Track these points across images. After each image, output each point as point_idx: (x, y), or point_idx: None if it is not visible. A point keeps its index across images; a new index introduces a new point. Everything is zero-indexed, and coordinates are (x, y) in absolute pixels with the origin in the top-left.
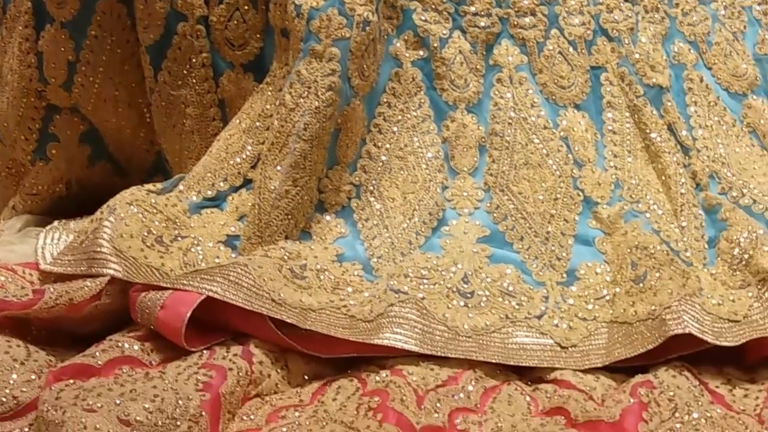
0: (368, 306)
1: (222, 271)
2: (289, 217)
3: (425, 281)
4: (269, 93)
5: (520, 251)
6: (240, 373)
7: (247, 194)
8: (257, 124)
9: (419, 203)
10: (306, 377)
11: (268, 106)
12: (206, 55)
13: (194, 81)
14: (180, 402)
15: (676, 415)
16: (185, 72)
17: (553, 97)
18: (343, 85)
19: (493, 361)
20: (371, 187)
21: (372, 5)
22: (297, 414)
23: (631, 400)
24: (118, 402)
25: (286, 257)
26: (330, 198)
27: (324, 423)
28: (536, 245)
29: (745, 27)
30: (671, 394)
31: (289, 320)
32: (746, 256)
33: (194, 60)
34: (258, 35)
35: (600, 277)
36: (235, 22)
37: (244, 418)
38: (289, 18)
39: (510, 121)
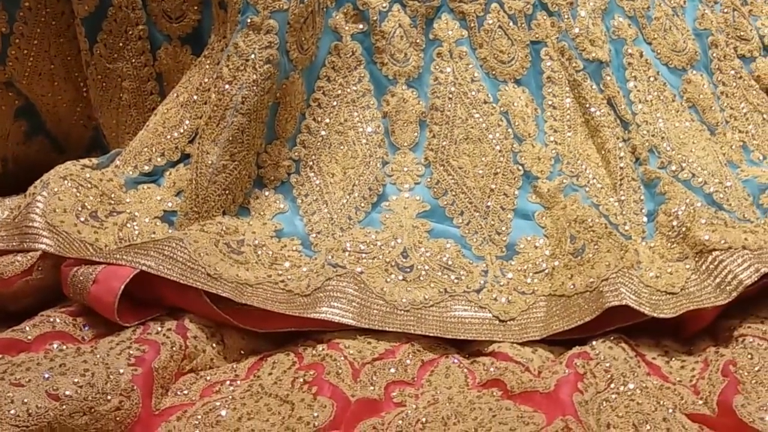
0: (306, 281)
1: (157, 246)
2: (227, 192)
3: (364, 255)
4: (207, 66)
5: (460, 226)
6: (174, 348)
7: (184, 169)
8: (195, 97)
9: (359, 178)
10: (242, 352)
11: (206, 80)
12: (143, 28)
13: (131, 54)
14: (111, 376)
15: (612, 385)
16: (121, 44)
17: (494, 72)
18: (281, 58)
19: (431, 334)
20: (311, 162)
21: None
22: (231, 388)
23: (567, 371)
24: (47, 376)
25: (223, 232)
26: (269, 173)
27: (258, 397)
28: (476, 220)
29: (685, 2)
30: (607, 365)
31: (224, 294)
32: (683, 229)
33: (130, 32)
34: (195, 7)
35: (539, 251)
36: None
37: (178, 393)
38: None
39: (450, 95)
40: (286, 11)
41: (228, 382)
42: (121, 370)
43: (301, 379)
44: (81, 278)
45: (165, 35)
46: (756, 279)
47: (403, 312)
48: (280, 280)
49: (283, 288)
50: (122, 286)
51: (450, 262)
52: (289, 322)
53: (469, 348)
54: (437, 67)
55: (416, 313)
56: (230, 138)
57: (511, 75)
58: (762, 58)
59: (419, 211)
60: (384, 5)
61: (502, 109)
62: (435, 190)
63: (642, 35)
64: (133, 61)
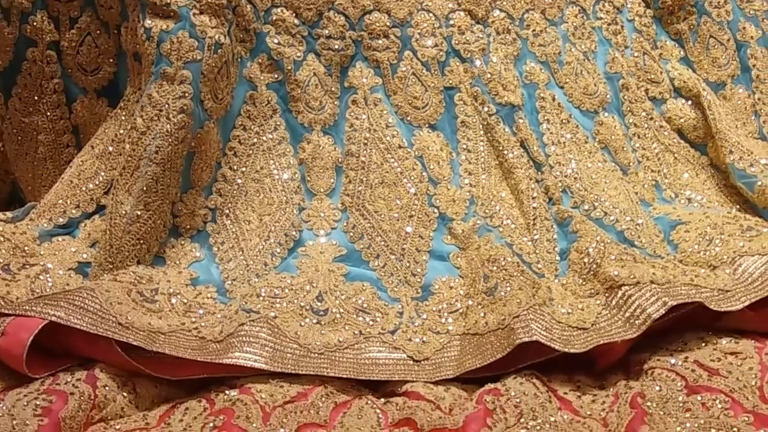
0: (219, 327)
1: (67, 296)
2: (141, 241)
3: (278, 300)
4: (123, 118)
5: (376, 269)
6: (82, 397)
7: (99, 221)
8: (110, 149)
9: (275, 224)
10: (154, 401)
11: (122, 131)
12: (58, 81)
13: (46, 107)
14: (16, 427)
15: (522, 420)
16: (36, 98)
17: (408, 118)
18: (195, 107)
19: (345, 376)
20: (227, 211)
21: (224, 28)
22: None
23: (476, 407)
24: None
25: (136, 281)
26: (185, 222)
27: None
28: (392, 262)
29: (595, 47)
30: (517, 400)
31: (135, 343)
32: (594, 266)
33: (45, 86)
34: (111, 60)
35: (454, 291)
36: (87, 47)
37: None
38: (140, 41)
39: (365, 141)
40: (199, 62)
41: (138, 431)
42: (27, 421)
43: (211, 425)
44: None
45: (81, 88)
46: (663, 312)
47: (317, 355)
48: (194, 327)
49: (197, 335)
50: (31, 337)
51: (365, 305)
52: (203, 369)
53: (383, 389)
54: (353, 114)
55: (330, 355)
56: (144, 188)
57: (426, 120)
58: (672, 99)
59: (335, 256)
60: (298, 54)
61: (417, 153)
62: (351, 234)
63: (554, 79)
64: (49, 114)
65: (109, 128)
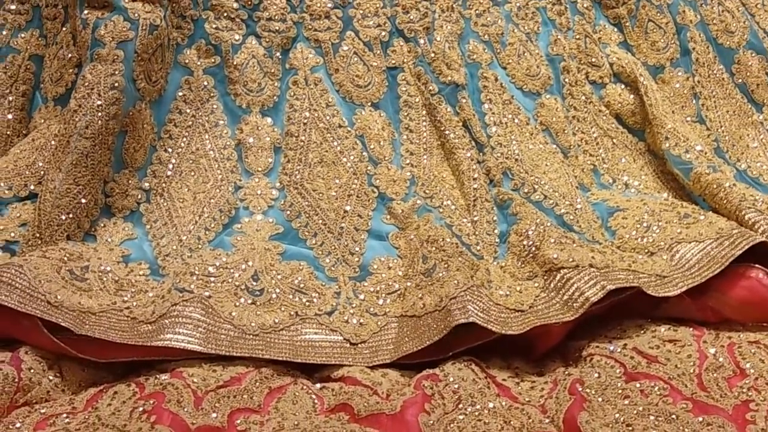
0: (151, 307)
1: None
2: (71, 216)
3: (213, 279)
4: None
5: (313, 247)
6: (6, 380)
7: (31, 205)
8: (52, 143)
9: (209, 201)
10: (82, 384)
11: (63, 126)
12: (27, 88)
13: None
14: None
15: (460, 406)
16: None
17: (350, 96)
18: (127, 84)
19: (281, 358)
20: (161, 190)
21: (158, 12)
22: (67, 420)
23: (414, 393)
24: None
25: (66, 258)
26: (117, 202)
27: (95, 428)
28: (329, 241)
29: (538, 28)
30: (456, 386)
31: (64, 324)
32: (533, 248)
33: (17, 88)
34: (71, 70)
35: (393, 272)
36: (57, 59)
37: (10, 426)
38: (78, 31)
39: (305, 121)
40: (132, 41)
41: (64, 415)
42: None
43: (141, 409)
44: None
45: (43, 96)
46: (602, 296)
47: (251, 336)
48: (126, 307)
49: (128, 315)
50: None
51: (302, 285)
52: (133, 352)
53: (319, 373)
54: (293, 94)
55: (265, 337)
56: (74, 162)
57: (368, 99)
58: (612, 84)
59: (272, 233)
60: (237, 38)
61: (357, 132)
62: (288, 212)
63: (497, 60)
64: (10, 116)
65: (52, 125)
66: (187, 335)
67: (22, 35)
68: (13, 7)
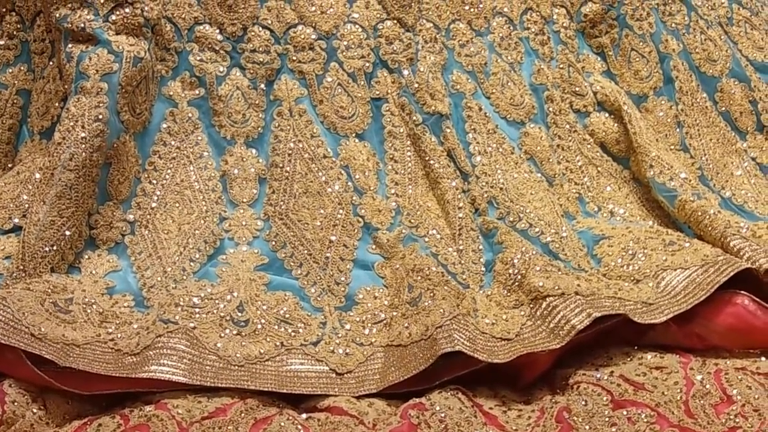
0: (135, 338)
1: None
2: (55, 248)
3: (197, 310)
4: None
5: (299, 277)
6: None
7: (15, 238)
8: (36, 175)
9: (194, 232)
10: (66, 417)
11: (48, 159)
12: (14, 123)
13: None
14: None
15: None
16: None
17: (335, 127)
18: (111, 117)
19: (266, 389)
20: (145, 222)
21: (142, 45)
22: None
23: (401, 422)
24: None
25: (50, 290)
26: (102, 234)
27: None
28: (315, 271)
29: (522, 58)
30: (443, 415)
31: (48, 356)
32: (519, 277)
33: (3, 122)
34: (57, 103)
35: (378, 302)
36: (45, 93)
37: None
38: (63, 65)
39: (290, 152)
40: (116, 73)
41: None
42: None
43: None
44: None
45: (29, 129)
46: (588, 324)
47: (237, 367)
48: (110, 339)
49: (112, 347)
50: None
51: (287, 315)
52: (118, 384)
53: (305, 404)
54: (277, 125)
55: (251, 368)
56: (58, 194)
57: (353, 129)
58: (596, 113)
59: (257, 264)
60: (221, 70)
61: (342, 163)
62: (273, 243)
63: (481, 90)
64: None
65: (37, 158)
66: (171, 366)
67: (10, 70)
68: (1, 42)
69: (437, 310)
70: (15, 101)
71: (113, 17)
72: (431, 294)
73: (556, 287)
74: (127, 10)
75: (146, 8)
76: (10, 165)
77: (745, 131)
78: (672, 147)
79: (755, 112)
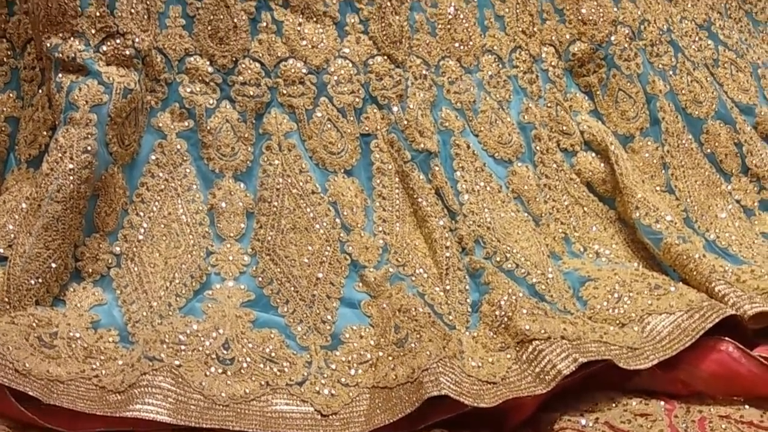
0: (120, 376)
1: None
2: (41, 281)
3: (183, 348)
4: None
5: (285, 315)
6: None
7: (0, 270)
8: (23, 205)
9: (181, 266)
10: None
11: (35, 189)
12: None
13: None
14: None
15: None
16: None
17: (323, 163)
18: (100, 148)
19: (251, 430)
20: (132, 255)
21: (132, 76)
22: None
23: None
24: None
25: (35, 324)
26: (87, 266)
27: None
28: (301, 308)
29: (510, 96)
30: None
31: (32, 393)
32: (506, 319)
33: None
34: (45, 132)
35: (365, 341)
36: (33, 121)
37: None
38: (52, 95)
39: (278, 186)
40: (105, 104)
41: None
42: None
43: None
44: None
45: (17, 158)
46: (574, 369)
47: (222, 407)
48: (94, 375)
49: (97, 384)
50: None
51: (273, 354)
52: (102, 422)
53: None
54: (266, 159)
55: (236, 408)
56: (45, 225)
57: (342, 165)
58: (583, 152)
59: (243, 300)
60: (211, 102)
61: (330, 199)
62: (260, 279)
63: (469, 127)
64: None
65: (24, 187)
66: (156, 405)
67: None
68: None
69: (423, 352)
70: (3, 128)
71: (104, 48)
72: (418, 335)
73: (543, 331)
74: (118, 41)
75: (137, 39)
76: None
77: (730, 173)
78: (658, 188)
79: (740, 154)
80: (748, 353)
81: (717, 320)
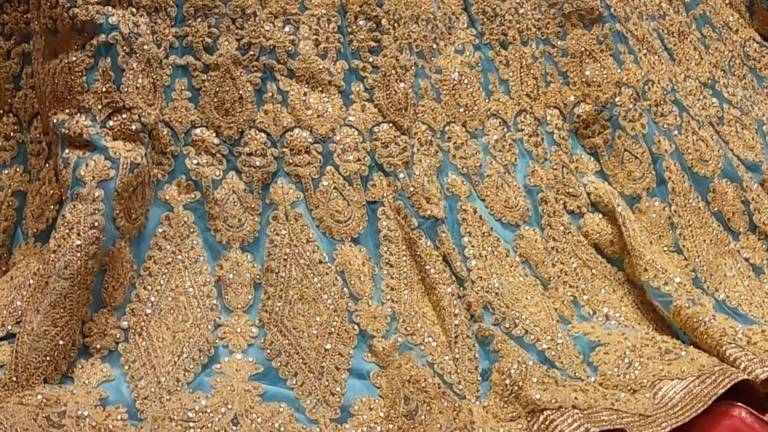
0: None
1: None
2: (48, 359)
3: (192, 425)
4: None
5: (293, 388)
6: None
7: (8, 347)
8: (30, 281)
9: (189, 341)
10: None
11: (42, 266)
12: (9, 225)
13: None
14: None
15: None
16: None
17: (330, 232)
18: (107, 224)
19: None
20: (140, 329)
21: (139, 150)
22: None
23: None
24: None
25: (43, 404)
26: (95, 342)
27: None
28: (310, 381)
29: (516, 159)
30: None
31: None
32: (516, 388)
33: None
34: (53, 206)
35: (374, 413)
36: (40, 195)
37: None
38: (59, 170)
39: (285, 257)
40: (113, 179)
41: None
42: None
43: None
44: None
45: (24, 232)
46: None
47: None
48: None
49: None
50: None
51: (282, 428)
52: None
53: None
54: (273, 230)
55: None
56: (52, 303)
57: (348, 234)
58: (590, 214)
59: (252, 374)
60: (218, 174)
61: (338, 268)
62: (269, 351)
63: (475, 192)
64: None
65: (31, 263)
66: None
67: (6, 171)
68: None
69: (434, 424)
70: (10, 203)
71: (110, 123)
72: (428, 407)
73: (554, 400)
74: (124, 116)
75: (143, 114)
76: (4, 268)
77: (738, 232)
78: (666, 249)
79: (747, 212)
80: (761, 418)
81: (729, 385)
